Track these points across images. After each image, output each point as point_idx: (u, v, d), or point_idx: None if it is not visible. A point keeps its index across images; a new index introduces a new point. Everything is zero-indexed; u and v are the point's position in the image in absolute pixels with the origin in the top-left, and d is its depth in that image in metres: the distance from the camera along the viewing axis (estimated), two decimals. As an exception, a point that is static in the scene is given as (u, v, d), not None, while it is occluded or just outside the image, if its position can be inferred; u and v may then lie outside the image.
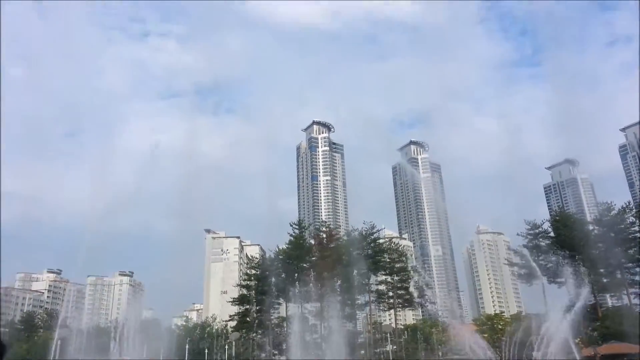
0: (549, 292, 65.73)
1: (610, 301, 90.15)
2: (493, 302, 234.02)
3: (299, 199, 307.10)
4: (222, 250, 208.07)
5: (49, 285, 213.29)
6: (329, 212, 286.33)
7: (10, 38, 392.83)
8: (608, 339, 54.42)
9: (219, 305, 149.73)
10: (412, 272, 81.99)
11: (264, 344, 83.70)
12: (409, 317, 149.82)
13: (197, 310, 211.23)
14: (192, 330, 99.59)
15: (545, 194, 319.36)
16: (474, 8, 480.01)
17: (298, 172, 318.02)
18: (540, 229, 78.57)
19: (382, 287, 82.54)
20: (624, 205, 74.75)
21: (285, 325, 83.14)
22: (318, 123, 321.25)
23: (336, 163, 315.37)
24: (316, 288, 79.36)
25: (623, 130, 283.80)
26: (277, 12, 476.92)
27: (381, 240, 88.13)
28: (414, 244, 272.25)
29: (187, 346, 78.75)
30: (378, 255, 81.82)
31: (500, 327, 73.27)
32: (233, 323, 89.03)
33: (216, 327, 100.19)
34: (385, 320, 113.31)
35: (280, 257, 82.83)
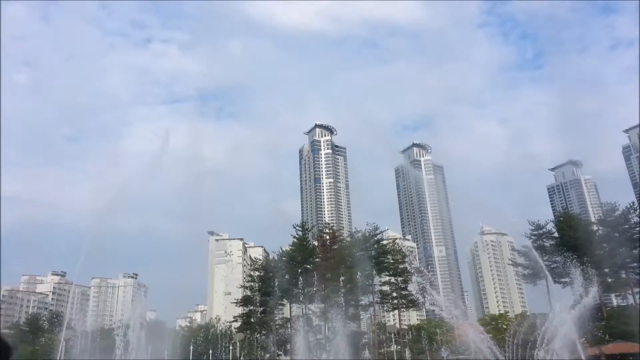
0: (554, 292, 65.60)
1: (615, 301, 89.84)
2: (497, 302, 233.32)
3: (302, 201, 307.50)
4: (225, 252, 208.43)
5: (54, 288, 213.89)
6: (331, 214, 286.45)
7: (13, 43, 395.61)
8: (613, 338, 54.29)
9: (222, 307, 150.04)
10: (414, 272, 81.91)
11: (267, 345, 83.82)
12: (413, 317, 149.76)
13: (201, 311, 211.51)
14: (196, 332, 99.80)
15: (549, 195, 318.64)
16: (474, 12, 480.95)
17: (301, 174, 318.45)
18: (544, 230, 78.56)
19: (386, 288, 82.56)
20: (628, 206, 74.80)
21: (289, 326, 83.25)
22: (320, 126, 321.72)
23: (339, 165, 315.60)
24: (320, 289, 79.50)
25: (626, 131, 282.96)
26: (279, 18, 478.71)
27: (385, 242, 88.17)
28: (417, 245, 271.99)
29: (191, 347, 78.87)
30: (381, 257, 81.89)
31: (504, 327, 73.06)
32: (237, 324, 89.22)
33: (220, 328, 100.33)
34: (389, 321, 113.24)
35: (284, 258, 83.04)
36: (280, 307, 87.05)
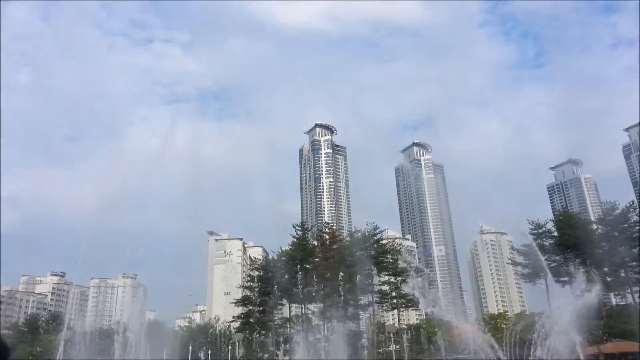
0: (553, 291, 65.48)
1: (614, 300, 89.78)
2: (496, 301, 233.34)
3: (301, 201, 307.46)
4: (225, 252, 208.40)
5: (53, 288, 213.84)
6: (331, 213, 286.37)
7: (13, 43, 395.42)
8: (612, 337, 54.21)
9: (222, 307, 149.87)
10: (411, 271, 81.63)
11: (267, 345, 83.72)
12: (412, 317, 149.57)
13: (200, 311, 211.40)
14: (195, 332, 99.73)
15: (549, 194, 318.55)
16: (475, 11, 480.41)
17: (301, 174, 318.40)
18: (543, 229, 78.49)
19: (385, 288, 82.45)
20: (628, 205, 74.65)
21: (288, 325, 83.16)
22: (321, 126, 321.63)
23: (339, 165, 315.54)
24: (319, 289, 79.42)
25: (627, 130, 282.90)
26: (280, 18, 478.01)
27: (384, 241, 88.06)
28: (417, 244, 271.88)
29: (190, 348, 78.83)
30: (381, 256, 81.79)
31: (504, 326, 73.01)
32: (236, 324, 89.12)
33: (219, 328, 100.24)
34: (388, 321, 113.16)
35: (283, 258, 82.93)
36: (279, 307, 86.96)
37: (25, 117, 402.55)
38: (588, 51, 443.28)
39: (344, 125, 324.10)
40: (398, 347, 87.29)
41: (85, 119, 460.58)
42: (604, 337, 56.56)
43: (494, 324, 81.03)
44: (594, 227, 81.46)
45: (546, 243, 77.30)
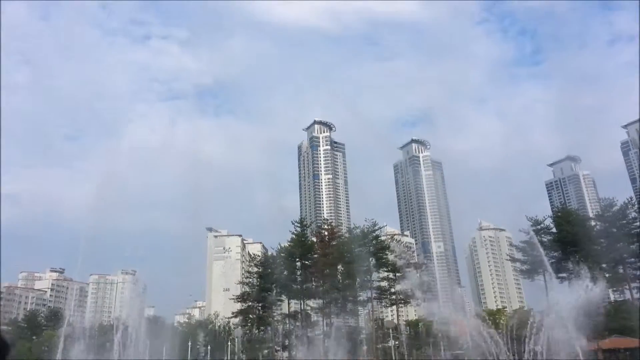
0: (551, 287, 65.69)
1: (612, 296, 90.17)
2: (495, 297, 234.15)
3: (300, 197, 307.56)
4: (224, 248, 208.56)
5: (52, 284, 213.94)
6: (330, 210, 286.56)
7: (12, 41, 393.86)
8: (610, 333, 54.40)
9: (221, 303, 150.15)
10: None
11: (266, 341, 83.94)
12: (411, 313, 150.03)
13: (200, 307, 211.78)
14: (194, 328, 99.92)
15: (547, 191, 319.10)
16: (473, 8, 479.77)
17: (300, 171, 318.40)
18: (542, 225, 78.63)
19: (384, 284, 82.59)
20: (626, 201, 74.83)
21: (287, 321, 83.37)
22: (319, 122, 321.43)
23: (337, 162, 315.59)
24: (318, 285, 79.57)
25: (625, 127, 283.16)
26: (278, 14, 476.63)
27: (383, 238, 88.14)
28: (415, 241, 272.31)
29: (189, 343, 79.00)
30: (380, 252, 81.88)
31: (502, 322, 73.34)
32: (235, 320, 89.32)
33: (219, 325, 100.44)
34: (387, 317, 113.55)
35: (282, 254, 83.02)
36: (278, 303, 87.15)
37: (23, 115, 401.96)
38: (585, 48, 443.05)
39: (343, 122, 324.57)
40: (397, 343, 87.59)
41: (83, 116, 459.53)
42: (605, 333, 56.72)
43: (493, 319, 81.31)
44: (592, 223, 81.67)
45: (544, 239, 77.45)
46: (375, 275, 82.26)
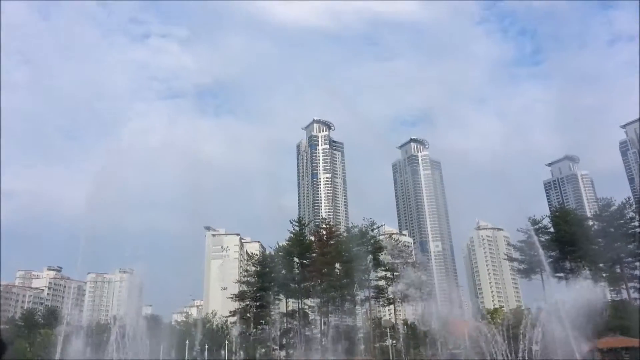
0: (548, 287, 65.85)
1: (609, 295, 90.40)
2: (492, 297, 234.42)
3: (299, 196, 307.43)
4: (222, 247, 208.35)
5: (49, 283, 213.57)
6: (329, 209, 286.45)
7: (10, 38, 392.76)
8: (608, 332, 54.46)
9: (219, 302, 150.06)
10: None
11: (264, 340, 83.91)
12: (409, 312, 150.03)
13: (197, 306, 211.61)
14: (192, 326, 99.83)
15: (545, 191, 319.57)
16: (473, 8, 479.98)
17: (298, 170, 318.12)
18: (540, 225, 78.68)
19: (381, 283, 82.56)
20: (624, 201, 74.96)
21: (285, 320, 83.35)
22: (318, 121, 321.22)
23: (336, 161, 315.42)
24: (316, 284, 79.52)
25: (623, 127, 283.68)
26: (278, 14, 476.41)
27: (381, 237, 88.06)
28: (414, 240, 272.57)
29: (187, 342, 78.85)
30: (378, 252, 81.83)
31: (499, 321, 73.44)
32: (233, 319, 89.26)
33: (216, 323, 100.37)
34: (385, 316, 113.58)
35: (280, 253, 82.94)
36: (276, 301, 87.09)
37: (22, 114, 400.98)
38: (585, 48, 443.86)
39: (342, 121, 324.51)
40: (395, 342, 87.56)
41: (82, 115, 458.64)
42: (603, 332, 56.80)
43: (490, 319, 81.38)
44: (590, 223, 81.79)
45: (542, 239, 77.53)
46: (373, 275, 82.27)
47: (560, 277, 69.99)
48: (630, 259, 71.77)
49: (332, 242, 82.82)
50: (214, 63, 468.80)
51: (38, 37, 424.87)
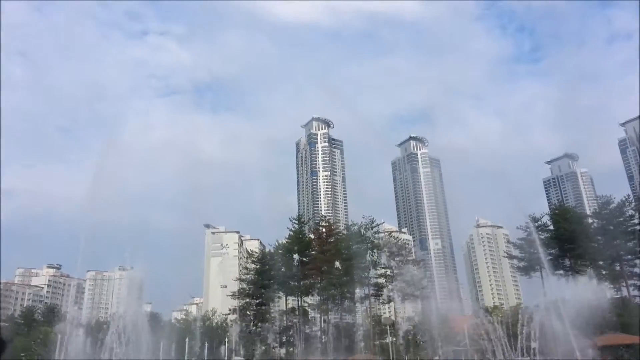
0: (548, 284, 65.88)
1: (609, 293, 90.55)
2: (492, 294, 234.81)
3: (298, 194, 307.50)
4: (221, 245, 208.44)
5: (49, 280, 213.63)
6: (328, 207, 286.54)
7: (8, 35, 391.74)
8: (607, 330, 54.53)
9: (218, 299, 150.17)
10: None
11: (263, 337, 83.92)
12: (408, 309, 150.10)
13: (197, 304, 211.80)
14: (192, 324, 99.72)
15: (545, 188, 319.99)
16: (472, 5, 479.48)
17: (297, 168, 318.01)
18: (539, 223, 78.66)
19: (381, 281, 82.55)
20: (623, 199, 74.99)
21: (284, 318, 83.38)
22: (317, 119, 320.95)
23: (335, 159, 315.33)
24: (315, 282, 79.51)
25: (623, 124, 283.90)
26: (276, 10, 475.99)
27: (381, 234, 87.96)
28: (413, 238, 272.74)
29: (186, 340, 78.77)
30: (377, 249, 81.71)
31: (499, 318, 73.49)
32: (233, 317, 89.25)
33: (216, 321, 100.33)
34: (384, 313, 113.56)
35: (280, 251, 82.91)
36: (276, 299, 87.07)
37: (20, 112, 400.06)
38: (584, 46, 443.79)
39: (341, 119, 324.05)
40: (394, 339, 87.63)
41: (80, 112, 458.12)
42: (602, 329, 56.89)
43: (490, 316, 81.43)
44: (590, 221, 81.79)
45: (542, 237, 77.52)
46: (372, 272, 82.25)
47: (560, 275, 70.04)
48: (629, 256, 71.83)
49: (332, 240, 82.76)
50: (212, 60, 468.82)
51: (37, 35, 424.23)
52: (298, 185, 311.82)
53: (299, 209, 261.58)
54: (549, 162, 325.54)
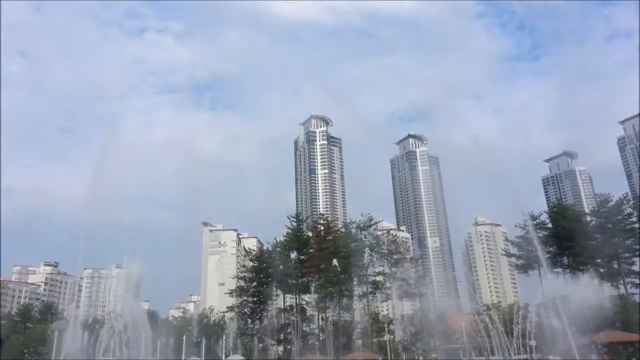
0: (546, 282, 65.73)
1: (607, 291, 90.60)
2: (490, 292, 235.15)
3: (296, 192, 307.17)
4: (219, 242, 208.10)
5: (46, 278, 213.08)
6: (326, 205, 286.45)
7: (8, 35, 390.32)
8: (605, 327, 54.44)
9: (216, 297, 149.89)
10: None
11: (261, 335, 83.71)
12: (406, 307, 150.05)
13: (194, 302, 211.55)
14: (189, 322, 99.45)
15: (544, 186, 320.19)
16: (472, 4, 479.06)
17: (296, 165, 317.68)
18: (538, 221, 78.56)
19: (379, 278, 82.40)
20: (622, 197, 75.01)
21: (282, 316, 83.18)
22: (316, 117, 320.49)
23: (334, 156, 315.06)
24: (313, 279, 79.31)
25: (622, 122, 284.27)
26: (275, 8, 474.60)
27: (379, 232, 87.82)
28: (411, 235, 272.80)
29: (184, 338, 78.48)
30: (375, 247, 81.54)
31: (497, 316, 73.43)
32: (231, 314, 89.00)
33: (214, 319, 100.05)
34: (382, 311, 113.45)
35: (278, 249, 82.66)
36: (274, 297, 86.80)
37: (19, 110, 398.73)
38: (584, 44, 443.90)
39: (340, 117, 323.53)
40: (392, 337, 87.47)
41: (79, 110, 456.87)
42: (600, 327, 56.83)
43: (488, 314, 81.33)
44: (588, 218, 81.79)
45: (540, 235, 77.43)
46: (370, 270, 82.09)
47: (558, 273, 69.95)
48: (627, 254, 71.89)
49: (330, 238, 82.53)
50: (212, 59, 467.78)
51: (37, 35, 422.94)
52: (296, 183, 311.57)
53: (297, 207, 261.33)
54: (547, 160, 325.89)
